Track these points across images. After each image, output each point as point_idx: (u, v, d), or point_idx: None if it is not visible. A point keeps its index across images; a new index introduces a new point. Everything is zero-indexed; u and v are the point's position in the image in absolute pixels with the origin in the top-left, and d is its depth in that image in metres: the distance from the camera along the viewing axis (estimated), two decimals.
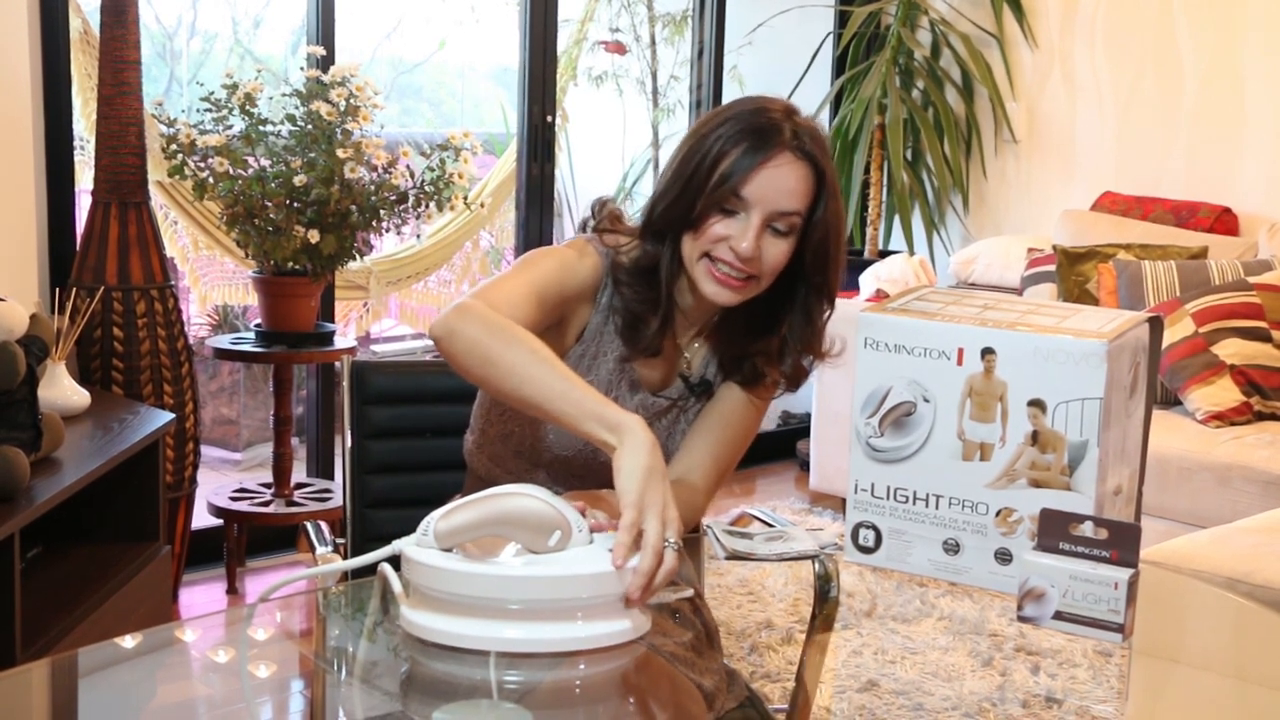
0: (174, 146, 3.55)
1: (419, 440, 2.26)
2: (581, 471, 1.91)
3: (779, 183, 1.77)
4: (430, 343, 1.81)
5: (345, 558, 2.13)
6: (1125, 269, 4.15)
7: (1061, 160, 5.09)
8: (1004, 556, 1.62)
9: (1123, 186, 4.84)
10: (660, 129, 5.45)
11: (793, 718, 1.46)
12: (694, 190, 1.80)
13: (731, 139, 1.78)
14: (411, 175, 3.74)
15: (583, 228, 1.96)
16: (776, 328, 1.90)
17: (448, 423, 2.19)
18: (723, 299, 1.82)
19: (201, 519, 3.82)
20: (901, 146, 4.96)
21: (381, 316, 4.76)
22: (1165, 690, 1.64)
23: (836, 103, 5.31)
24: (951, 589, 1.68)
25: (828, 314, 1.90)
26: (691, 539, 1.99)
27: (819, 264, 1.83)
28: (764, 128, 1.78)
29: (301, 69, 3.82)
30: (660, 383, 1.96)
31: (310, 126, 3.60)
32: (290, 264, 3.64)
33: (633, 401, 1.92)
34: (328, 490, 3.95)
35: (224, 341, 3.84)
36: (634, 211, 1.98)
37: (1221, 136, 4.68)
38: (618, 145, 5.83)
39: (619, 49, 5.34)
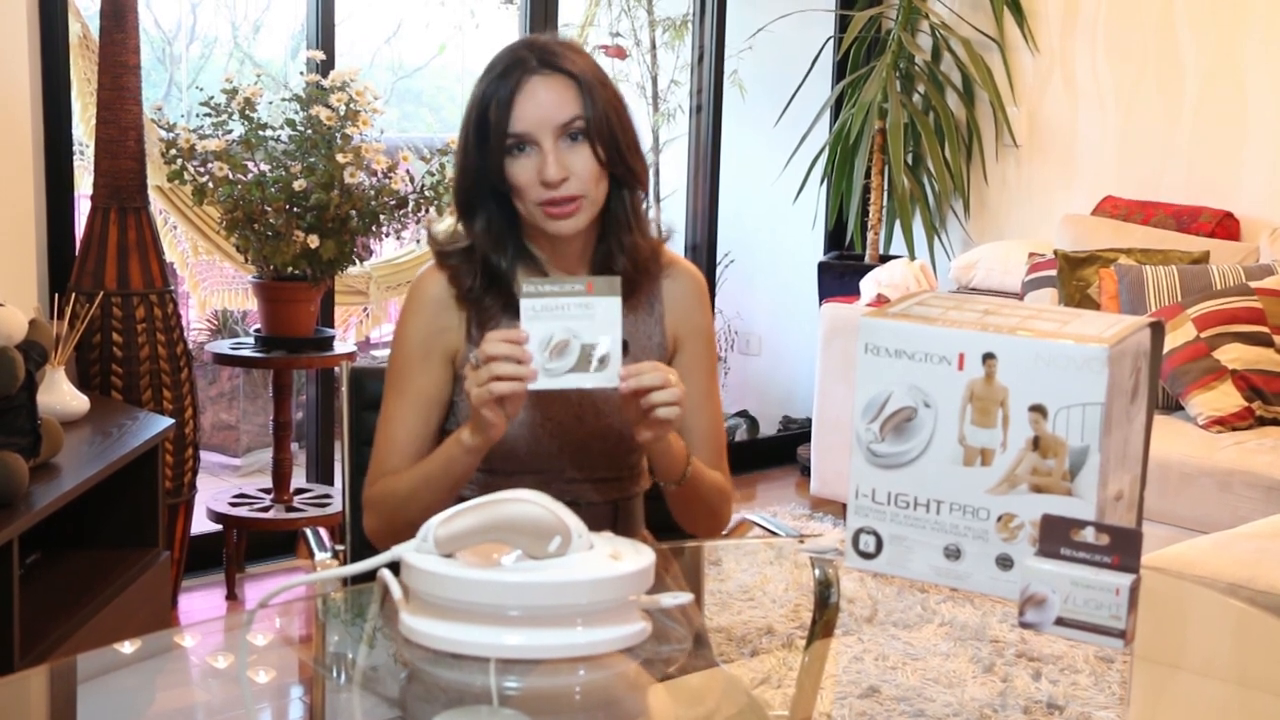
0: (173, 151, 3.55)
1: None
2: (528, 460, 1.93)
3: (538, 100, 1.85)
4: None
5: (345, 564, 2.12)
6: (1126, 274, 4.15)
7: (1062, 164, 5.09)
8: (1005, 562, 1.61)
9: (1124, 191, 4.84)
10: (661, 134, 5.45)
11: None
12: (475, 153, 1.88)
13: (488, 91, 1.88)
14: (411, 180, 3.73)
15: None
16: (609, 235, 1.98)
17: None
18: (565, 229, 1.88)
19: (201, 524, 3.82)
20: (902, 151, 4.96)
21: (381, 322, 4.76)
22: (1166, 696, 1.64)
23: (837, 107, 5.30)
24: (952, 595, 1.68)
25: (643, 198, 1.98)
26: (693, 547, 1.99)
27: (614, 153, 1.89)
28: (507, 66, 1.88)
29: (301, 74, 3.82)
30: None
31: (310, 131, 3.60)
32: (290, 269, 3.63)
33: None
34: (327, 496, 3.95)
35: (223, 346, 3.84)
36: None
37: (1223, 141, 4.68)
38: None
39: (619, 53, 5.33)
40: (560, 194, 1.85)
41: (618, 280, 1.69)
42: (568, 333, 1.68)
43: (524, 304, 1.68)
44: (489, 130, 1.86)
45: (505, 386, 1.69)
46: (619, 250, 1.95)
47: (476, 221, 1.93)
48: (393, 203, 3.66)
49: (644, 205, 2.00)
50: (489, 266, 1.93)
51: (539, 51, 1.88)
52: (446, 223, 2.04)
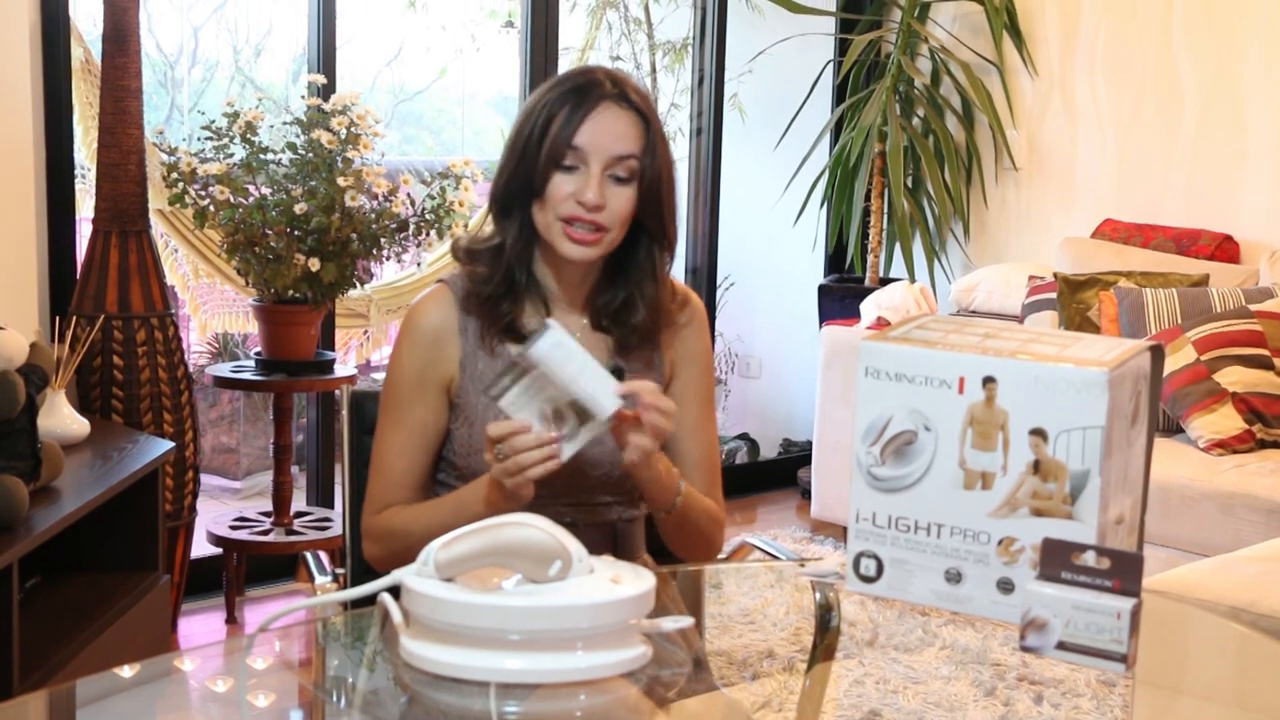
0: (175, 175, 3.56)
1: None
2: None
3: (608, 128, 1.87)
4: None
5: (345, 587, 2.12)
6: (1126, 297, 4.15)
7: (1062, 187, 5.10)
8: (1006, 586, 1.61)
9: (1123, 214, 4.84)
10: None
11: None
12: (530, 156, 1.89)
13: (556, 101, 1.89)
14: (412, 203, 3.74)
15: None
16: (627, 283, 1.98)
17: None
18: (579, 255, 1.89)
19: (201, 548, 3.81)
20: (902, 174, 4.97)
21: (382, 344, 4.76)
22: None
23: (837, 130, 5.32)
24: (953, 618, 1.68)
25: (668, 262, 1.99)
26: (693, 571, 1.99)
27: (654, 209, 1.92)
28: (585, 85, 1.89)
29: (302, 97, 3.83)
30: None
31: (311, 154, 3.60)
32: (290, 292, 3.64)
33: None
34: (327, 519, 3.94)
35: (224, 369, 3.84)
36: None
37: (1222, 163, 4.69)
38: None
39: None
40: (588, 218, 1.86)
41: (546, 320, 1.72)
42: (550, 402, 1.72)
43: (503, 406, 1.72)
44: (548, 136, 1.87)
45: (539, 470, 1.73)
46: (641, 300, 1.97)
47: (512, 221, 1.94)
48: (393, 226, 3.66)
49: (668, 265, 2.01)
50: (510, 274, 1.94)
51: (616, 82, 1.91)
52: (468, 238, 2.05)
